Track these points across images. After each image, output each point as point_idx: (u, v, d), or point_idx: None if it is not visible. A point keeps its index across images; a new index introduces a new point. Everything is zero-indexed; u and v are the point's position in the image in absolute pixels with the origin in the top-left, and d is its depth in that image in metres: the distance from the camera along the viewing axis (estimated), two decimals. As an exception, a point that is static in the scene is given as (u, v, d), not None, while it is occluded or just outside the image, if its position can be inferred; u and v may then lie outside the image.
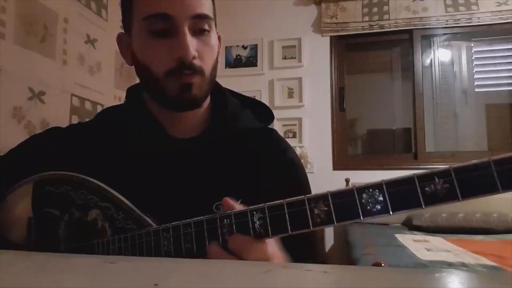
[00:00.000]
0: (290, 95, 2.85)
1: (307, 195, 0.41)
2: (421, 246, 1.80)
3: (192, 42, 0.58)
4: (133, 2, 0.62)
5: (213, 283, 0.30)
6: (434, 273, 0.31)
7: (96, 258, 0.44)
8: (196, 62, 0.59)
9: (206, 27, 0.60)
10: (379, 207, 0.39)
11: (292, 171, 0.69)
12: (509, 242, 1.90)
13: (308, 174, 0.72)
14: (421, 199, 0.38)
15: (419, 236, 2.10)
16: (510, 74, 2.67)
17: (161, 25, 0.58)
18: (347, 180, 2.53)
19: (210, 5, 0.62)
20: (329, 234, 2.64)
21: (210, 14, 0.61)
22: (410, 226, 2.34)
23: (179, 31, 0.57)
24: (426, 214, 2.29)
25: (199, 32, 0.60)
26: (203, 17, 0.59)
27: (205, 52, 0.60)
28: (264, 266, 0.33)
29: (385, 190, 0.39)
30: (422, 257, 1.55)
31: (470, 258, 1.55)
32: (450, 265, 1.45)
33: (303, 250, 0.57)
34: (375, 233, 2.13)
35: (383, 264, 1.26)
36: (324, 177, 2.60)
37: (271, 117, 0.75)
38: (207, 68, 0.61)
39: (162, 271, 0.33)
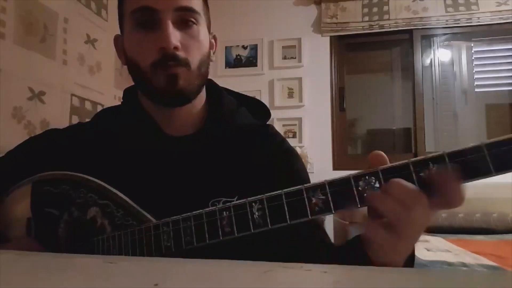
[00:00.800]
0: (290, 95, 2.85)
1: (305, 185, 0.42)
2: (421, 246, 1.80)
3: (174, 34, 0.59)
4: (124, 0, 0.64)
5: (213, 283, 0.30)
6: (434, 273, 0.31)
7: (96, 258, 0.44)
8: (180, 53, 0.59)
9: (192, 19, 0.61)
10: None
11: (289, 161, 0.69)
12: (509, 242, 1.90)
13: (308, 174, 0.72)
14: (417, 184, 0.38)
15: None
16: (510, 74, 2.66)
17: (146, 18, 0.60)
18: (347, 180, 2.53)
19: (200, 3, 0.64)
20: (329, 233, 2.64)
21: (197, 9, 0.62)
22: (410, 226, 2.34)
23: (162, 23, 0.59)
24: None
25: (184, 25, 0.61)
26: (187, 10, 0.61)
27: (190, 44, 0.61)
28: (264, 266, 0.33)
29: (381, 177, 0.39)
30: (422, 257, 1.55)
31: (470, 258, 1.55)
32: (450, 265, 1.45)
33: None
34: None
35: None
36: (324, 177, 2.55)
37: (267, 115, 0.75)
38: (194, 61, 0.61)
39: (162, 271, 0.33)
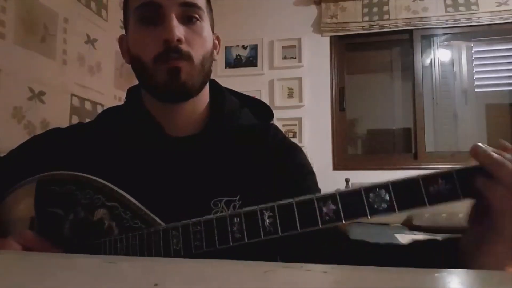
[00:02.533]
0: (290, 95, 2.85)
1: (316, 195, 0.43)
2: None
3: (179, 28, 0.59)
4: None
5: (213, 283, 0.30)
6: (434, 273, 0.31)
7: (96, 258, 0.44)
8: (183, 47, 0.60)
9: (196, 15, 0.62)
10: (385, 205, 0.41)
11: (292, 155, 0.69)
12: (509, 242, 1.89)
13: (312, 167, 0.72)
14: (425, 198, 0.39)
15: (419, 236, 2.10)
16: (510, 74, 2.66)
17: (150, 13, 0.60)
18: (347, 180, 2.53)
19: (204, 2, 0.64)
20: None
21: (201, 5, 0.63)
22: (410, 226, 2.34)
23: (166, 17, 0.59)
24: (426, 214, 2.29)
25: (188, 21, 0.61)
26: (191, 5, 0.61)
27: (193, 39, 0.61)
28: (264, 266, 0.33)
29: (391, 190, 0.41)
30: (422, 257, 1.55)
31: (470, 258, 1.55)
32: (450, 265, 1.45)
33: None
34: (375, 233, 2.12)
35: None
36: (324, 177, 2.57)
37: (270, 116, 0.75)
38: (197, 56, 0.61)
39: (162, 271, 0.33)
